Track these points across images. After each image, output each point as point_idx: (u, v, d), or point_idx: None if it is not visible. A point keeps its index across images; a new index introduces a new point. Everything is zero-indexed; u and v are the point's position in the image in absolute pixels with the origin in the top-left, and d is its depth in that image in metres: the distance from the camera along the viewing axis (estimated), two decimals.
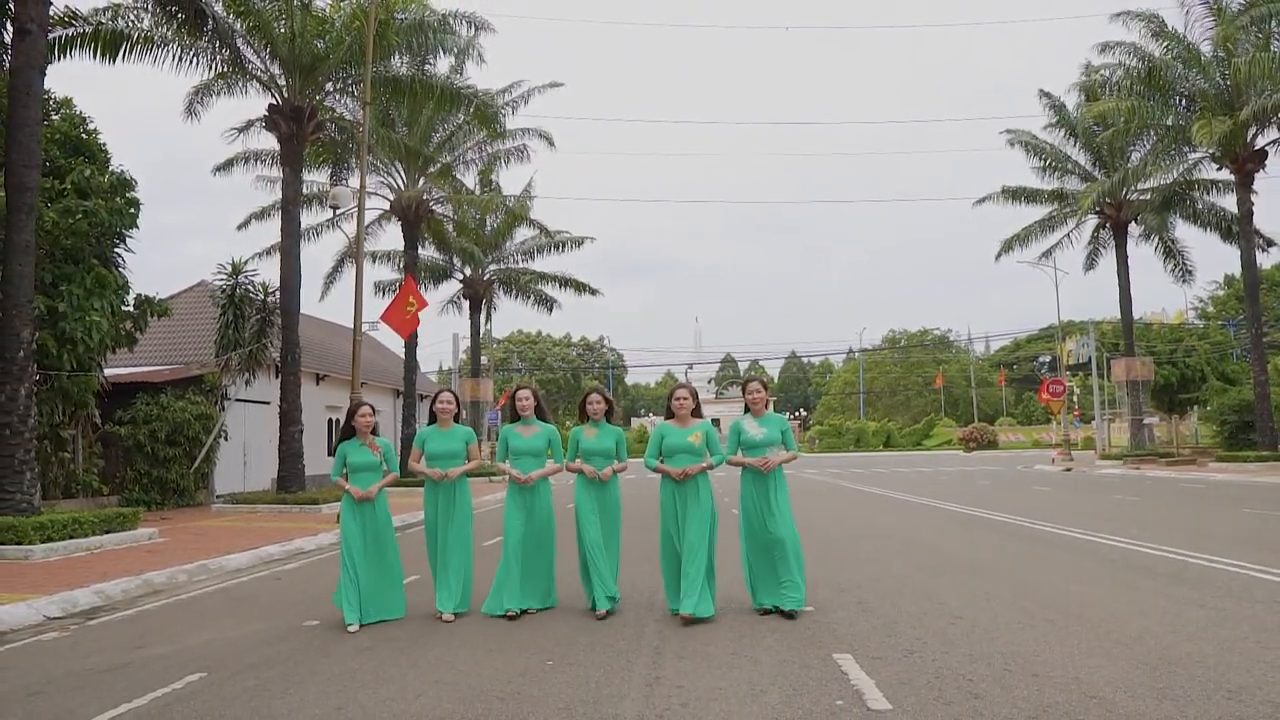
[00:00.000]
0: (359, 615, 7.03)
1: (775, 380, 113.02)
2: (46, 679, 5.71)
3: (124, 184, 18.04)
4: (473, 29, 25.57)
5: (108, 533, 12.60)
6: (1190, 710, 4.38)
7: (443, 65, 27.73)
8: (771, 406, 7.87)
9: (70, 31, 18.15)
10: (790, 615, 6.78)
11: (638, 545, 10.55)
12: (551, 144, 33.19)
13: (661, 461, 7.19)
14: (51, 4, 13.86)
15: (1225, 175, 32.20)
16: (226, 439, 22.27)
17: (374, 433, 7.53)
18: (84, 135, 18.44)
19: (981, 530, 13.26)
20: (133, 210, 18.04)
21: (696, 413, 7.28)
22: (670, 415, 7.33)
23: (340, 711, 4.76)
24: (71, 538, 11.85)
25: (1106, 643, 5.79)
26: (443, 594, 7.27)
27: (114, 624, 7.70)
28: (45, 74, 13.10)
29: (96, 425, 19.75)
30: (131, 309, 18.57)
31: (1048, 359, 65.39)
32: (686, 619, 6.67)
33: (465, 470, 7.43)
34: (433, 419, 7.58)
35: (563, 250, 38.68)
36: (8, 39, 13.76)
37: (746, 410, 7.32)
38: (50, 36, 15.01)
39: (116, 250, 18.20)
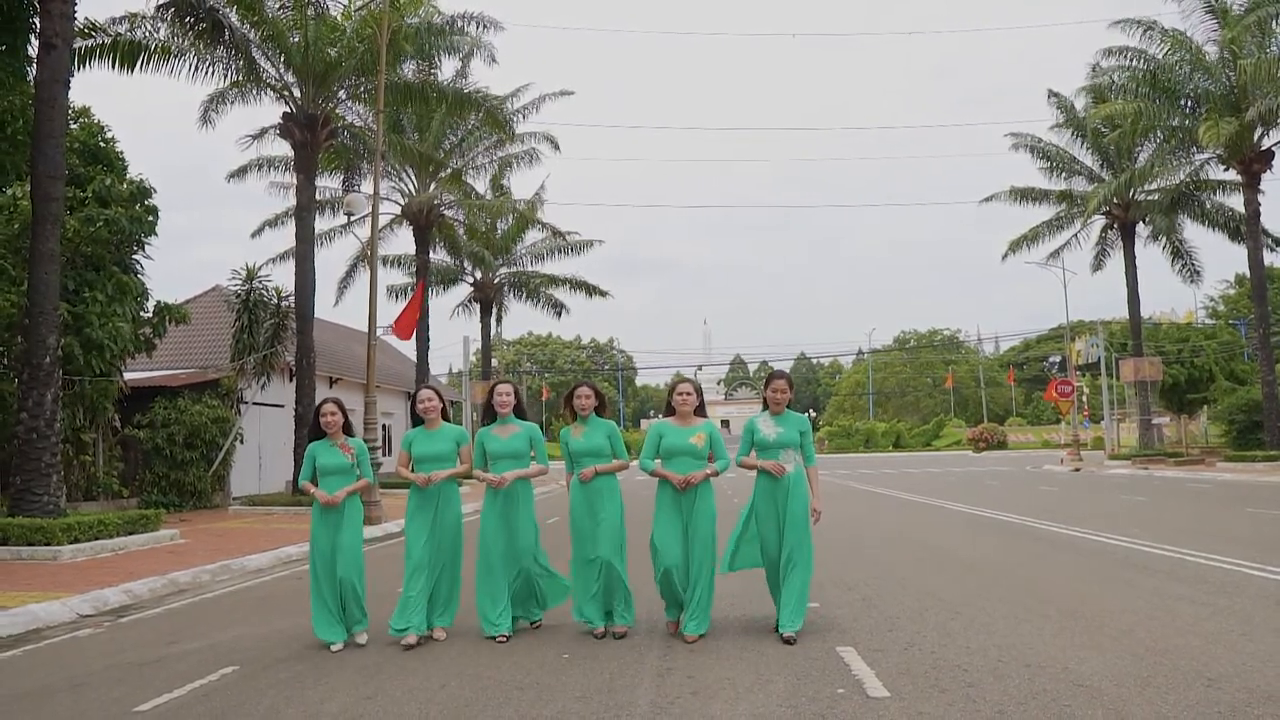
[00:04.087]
0: (341, 633, 6.51)
1: None
2: (87, 672, 6.01)
3: (143, 192, 18.42)
4: (482, 28, 25.51)
5: (131, 534, 12.92)
6: (1171, 697, 4.64)
7: (449, 69, 28.04)
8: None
9: (90, 43, 18.47)
10: (790, 640, 6.06)
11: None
12: (557, 147, 33.56)
13: (659, 464, 6.49)
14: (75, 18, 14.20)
15: (1232, 176, 32.32)
16: (243, 442, 22.61)
17: (347, 432, 6.85)
18: (102, 144, 18.85)
19: (986, 530, 13.50)
20: (151, 218, 18.40)
21: (700, 411, 6.53)
22: (671, 412, 6.58)
23: (370, 700, 5.05)
24: (97, 539, 12.17)
25: (1098, 636, 6.04)
26: (411, 610, 6.42)
27: (145, 621, 8.01)
28: (69, 87, 13.42)
29: (116, 429, 20.14)
30: (151, 315, 18.95)
31: (1057, 359, 65.39)
32: (677, 632, 6.38)
33: (452, 474, 6.69)
34: (418, 420, 6.88)
35: (575, 253, 39.07)
36: (32, 53, 14.09)
37: (765, 408, 6.58)
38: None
39: (135, 257, 18.58)
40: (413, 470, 6.73)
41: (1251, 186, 30.23)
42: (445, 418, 6.98)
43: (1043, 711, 4.47)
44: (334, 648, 6.37)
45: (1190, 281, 37.36)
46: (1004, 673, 5.20)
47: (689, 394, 6.51)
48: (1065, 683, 4.95)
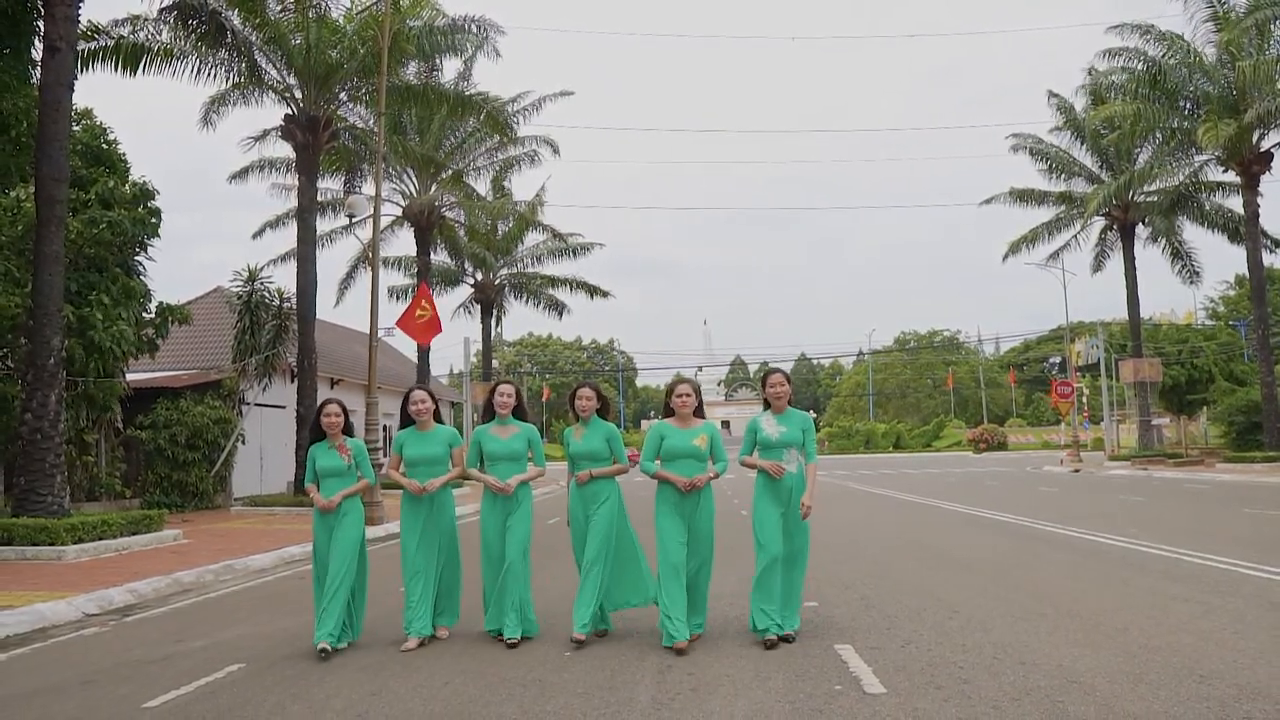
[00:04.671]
0: (332, 635, 6.23)
1: None
2: (95, 670, 6.09)
3: (145, 194, 18.52)
4: (482, 31, 25.49)
5: (135, 534, 13.01)
6: (1162, 693, 4.73)
7: (451, 70, 28.11)
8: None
9: (93, 46, 18.55)
10: (790, 639, 6.13)
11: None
12: (557, 151, 33.72)
13: (660, 465, 6.40)
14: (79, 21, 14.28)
15: (1231, 177, 32.39)
16: (244, 443, 22.69)
17: (347, 433, 6.75)
18: (104, 146, 18.95)
19: (984, 530, 13.57)
20: (154, 220, 18.50)
21: (699, 412, 6.47)
22: (670, 413, 6.50)
23: (375, 697, 5.13)
24: (101, 539, 12.26)
25: (1093, 635, 6.12)
26: (412, 615, 6.43)
27: (150, 620, 8.09)
28: (73, 89, 13.50)
29: (118, 430, 20.23)
30: (153, 316, 19.04)
31: (1057, 360, 65.46)
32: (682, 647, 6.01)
33: (448, 480, 6.64)
34: (409, 420, 6.77)
35: (575, 255, 39.22)
36: (36, 55, 14.18)
37: (766, 406, 6.49)
38: None
39: (138, 259, 18.68)
40: (404, 472, 6.64)
41: (1250, 188, 30.31)
42: (438, 419, 6.82)
43: (1036, 707, 4.55)
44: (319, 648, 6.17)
45: (1190, 282, 37.51)
46: (999, 670, 5.28)
47: (688, 395, 6.42)
48: (1059, 679, 5.03)
